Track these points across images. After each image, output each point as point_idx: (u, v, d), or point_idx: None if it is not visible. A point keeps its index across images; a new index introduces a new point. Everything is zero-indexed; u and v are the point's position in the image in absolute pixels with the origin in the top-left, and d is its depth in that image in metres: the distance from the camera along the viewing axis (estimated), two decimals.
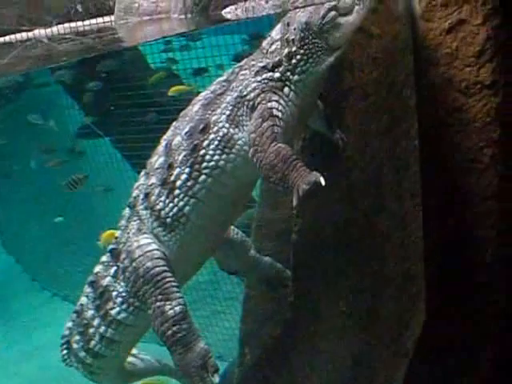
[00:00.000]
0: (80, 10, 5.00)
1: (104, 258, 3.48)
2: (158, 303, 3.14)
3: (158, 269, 3.20)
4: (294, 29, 3.15)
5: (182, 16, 3.64)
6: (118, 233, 3.45)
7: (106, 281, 3.41)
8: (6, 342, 7.90)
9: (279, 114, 3.07)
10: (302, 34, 3.11)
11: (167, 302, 3.13)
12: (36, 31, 5.60)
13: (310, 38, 3.11)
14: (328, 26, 3.09)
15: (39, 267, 8.25)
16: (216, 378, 3.05)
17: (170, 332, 3.11)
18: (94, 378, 3.60)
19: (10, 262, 9.27)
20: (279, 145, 2.96)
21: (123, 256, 3.35)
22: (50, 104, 8.10)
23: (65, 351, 3.57)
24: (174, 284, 3.18)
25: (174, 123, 3.35)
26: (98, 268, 3.48)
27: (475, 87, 3.85)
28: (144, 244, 3.27)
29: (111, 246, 3.46)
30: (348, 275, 3.47)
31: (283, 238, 3.57)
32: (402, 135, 3.86)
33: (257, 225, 3.67)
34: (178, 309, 3.13)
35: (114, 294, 3.37)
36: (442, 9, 3.76)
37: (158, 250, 3.24)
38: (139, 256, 3.24)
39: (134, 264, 3.25)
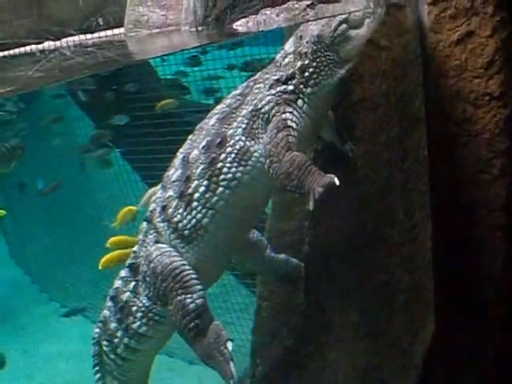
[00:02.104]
0: (101, 22, 5.05)
1: (123, 273, 3.52)
2: (179, 297, 3.15)
3: (175, 263, 3.23)
4: (307, 42, 3.19)
5: (193, 29, 3.67)
6: (135, 247, 3.49)
7: (126, 296, 3.44)
8: (16, 354, 7.90)
9: (293, 125, 3.12)
10: (315, 47, 3.16)
11: (188, 296, 3.15)
12: (46, 43, 5.66)
13: (322, 50, 3.15)
14: (339, 39, 3.13)
15: (47, 279, 8.28)
16: (229, 345, 3.05)
17: (192, 325, 3.12)
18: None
19: (19, 274, 9.30)
20: (294, 153, 3.01)
21: (142, 265, 3.38)
22: (60, 115, 8.15)
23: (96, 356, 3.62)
24: (193, 277, 3.20)
25: (190, 136, 3.40)
26: (117, 283, 3.52)
27: (484, 98, 3.87)
28: (161, 247, 3.31)
29: (130, 261, 3.49)
30: (359, 286, 3.46)
31: (294, 250, 3.58)
32: (411, 146, 3.87)
33: (268, 236, 3.68)
34: (199, 302, 3.15)
35: (134, 308, 3.41)
36: (451, 21, 3.79)
37: (174, 251, 3.29)
38: (156, 256, 3.28)
39: (151, 265, 3.28)
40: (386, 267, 3.70)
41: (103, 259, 6.31)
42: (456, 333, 4.20)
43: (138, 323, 3.41)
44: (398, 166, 3.70)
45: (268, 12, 3.44)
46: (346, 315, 3.43)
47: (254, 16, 3.45)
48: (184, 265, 3.22)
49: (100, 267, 6.26)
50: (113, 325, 3.49)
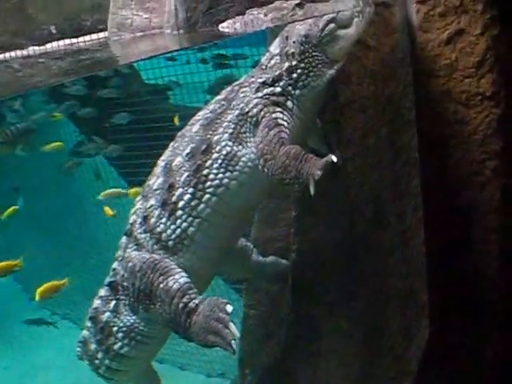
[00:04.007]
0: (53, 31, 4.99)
1: (102, 292, 3.36)
2: (161, 285, 3.01)
3: (154, 257, 3.11)
4: (294, 42, 3.09)
5: (175, 31, 3.57)
6: (115, 264, 3.32)
7: (106, 316, 3.29)
8: (5, 362, 7.80)
9: (284, 123, 3.03)
10: (302, 48, 3.06)
11: (169, 279, 3.01)
12: (31, 48, 5.59)
13: (310, 51, 3.06)
14: (327, 39, 3.04)
15: (37, 286, 8.16)
16: (229, 308, 2.87)
17: (180, 305, 2.95)
18: None
19: (9, 281, 9.18)
20: (288, 146, 2.93)
21: (121, 276, 3.23)
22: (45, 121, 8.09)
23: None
24: (173, 265, 3.07)
25: (171, 144, 3.28)
26: (96, 303, 3.36)
27: (476, 98, 3.78)
28: (141, 252, 3.18)
29: (109, 279, 3.33)
30: (349, 293, 3.36)
31: (281, 257, 3.47)
32: (401, 148, 3.78)
33: (254, 243, 3.57)
34: (182, 280, 3.00)
35: (115, 329, 3.26)
36: (440, 19, 3.70)
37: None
38: (134, 257, 3.16)
39: (129, 264, 3.15)
40: (378, 273, 3.60)
41: (39, 290, 6.59)
42: (454, 333, 4.14)
43: (119, 344, 3.26)
44: (389, 168, 3.61)
45: (255, 12, 3.34)
46: (337, 323, 3.33)
47: (240, 17, 3.35)
48: (164, 258, 3.10)
49: (37, 299, 6.52)
50: (93, 346, 3.35)
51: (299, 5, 3.32)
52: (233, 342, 2.80)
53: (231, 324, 2.83)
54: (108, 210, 7.41)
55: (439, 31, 3.70)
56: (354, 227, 3.34)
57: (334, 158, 2.78)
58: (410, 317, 4.07)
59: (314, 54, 3.05)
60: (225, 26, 3.33)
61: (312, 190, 2.76)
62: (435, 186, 4.05)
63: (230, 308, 2.86)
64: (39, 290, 6.68)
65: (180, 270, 3.05)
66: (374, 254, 3.49)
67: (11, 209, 8.24)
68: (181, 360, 6.71)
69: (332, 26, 3.03)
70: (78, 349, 3.42)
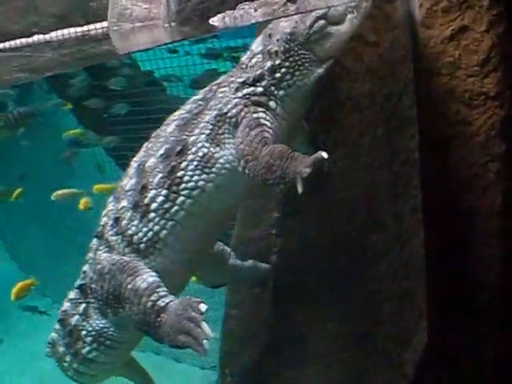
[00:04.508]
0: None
1: (72, 295, 3.27)
2: (130, 285, 2.90)
3: (123, 259, 3.01)
4: (277, 40, 2.95)
5: (166, 24, 3.47)
6: (85, 267, 3.23)
7: (75, 319, 3.21)
8: (8, 349, 7.81)
9: (267, 123, 2.90)
10: (287, 46, 2.92)
11: (137, 279, 2.91)
12: (35, 37, 5.60)
13: (296, 49, 2.91)
14: (316, 36, 2.89)
15: (41, 274, 8.16)
16: (203, 307, 2.73)
17: (149, 304, 2.84)
18: None
19: (13, 268, 9.20)
20: (271, 145, 2.79)
21: (90, 275, 3.15)
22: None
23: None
24: (142, 265, 2.97)
25: (145, 144, 3.17)
26: (66, 305, 3.28)
27: (479, 98, 3.65)
28: (111, 254, 3.08)
29: (79, 282, 3.24)
30: (337, 297, 3.26)
31: (263, 258, 3.36)
32: (400, 148, 3.66)
33: (235, 243, 3.47)
34: (150, 279, 2.90)
35: (84, 333, 3.18)
36: (444, 15, 3.56)
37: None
38: (103, 259, 3.07)
39: (98, 267, 3.06)
40: (371, 275, 3.50)
41: (14, 292, 7.06)
42: (454, 333, 4.04)
43: (87, 348, 3.19)
44: (385, 168, 3.49)
45: (246, 7, 3.22)
46: (322, 328, 3.22)
47: (231, 11, 3.24)
48: (132, 260, 3.00)
49: (13, 299, 6.93)
50: (61, 349, 3.28)
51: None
52: (205, 341, 2.68)
53: (203, 323, 2.71)
54: (85, 203, 7.37)
55: (442, 27, 3.57)
56: (343, 229, 3.23)
57: (325, 155, 2.63)
58: (406, 320, 3.97)
59: (300, 52, 2.91)
60: (215, 20, 3.21)
61: (300, 189, 2.63)
62: (435, 188, 3.93)
63: (203, 307, 2.75)
64: (14, 291, 7.12)
65: (149, 270, 2.96)
66: (366, 256, 3.38)
67: (18, 190, 8.28)
68: (176, 352, 6.69)
69: (322, 22, 2.88)
70: (48, 349, 3.36)
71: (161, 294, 2.86)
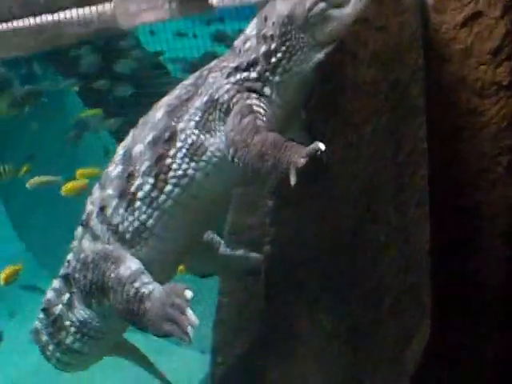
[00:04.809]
0: None
1: (56, 284, 3.21)
2: (113, 274, 2.83)
3: (107, 247, 2.94)
4: (273, 23, 2.79)
5: (167, 4, 3.37)
6: (69, 256, 3.16)
7: (59, 309, 3.15)
8: (13, 330, 7.83)
9: (261, 110, 2.76)
10: (283, 29, 2.77)
11: (120, 267, 2.83)
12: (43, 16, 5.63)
13: (294, 33, 2.76)
14: (315, 20, 2.73)
15: (48, 255, 8.17)
16: (188, 294, 2.64)
17: (132, 291, 2.76)
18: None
19: (21, 249, 9.23)
20: (264, 133, 2.66)
21: (73, 264, 3.07)
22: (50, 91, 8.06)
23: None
24: (126, 254, 2.89)
25: (132, 130, 3.06)
26: (49, 294, 3.22)
27: (491, 88, 3.49)
28: (94, 243, 3.00)
29: (63, 271, 3.17)
30: (333, 291, 3.15)
31: (257, 247, 3.25)
32: (406, 137, 3.51)
33: (229, 231, 3.37)
34: (134, 267, 2.83)
35: (67, 323, 3.13)
36: None
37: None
38: (87, 248, 3.00)
39: (82, 256, 2.99)
40: (371, 270, 3.37)
41: (3, 277, 7.20)
42: (454, 333, 3.92)
43: (71, 339, 3.13)
44: (389, 159, 3.35)
45: None
46: (317, 323, 3.11)
47: None
48: (117, 249, 2.91)
49: (2, 283, 7.04)
50: (44, 338, 3.22)
51: None
52: (189, 329, 2.59)
53: (189, 310, 2.62)
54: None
55: (454, 12, 3.41)
56: (341, 221, 3.11)
57: (322, 146, 2.49)
58: (408, 316, 3.85)
59: (297, 36, 2.76)
60: (214, 0, 3.09)
61: (293, 180, 2.50)
62: (443, 180, 3.79)
63: (189, 294, 2.66)
64: (2, 277, 7.25)
65: (133, 258, 2.88)
66: (365, 249, 3.26)
67: (25, 167, 8.29)
68: None
69: (322, 5, 2.71)
70: (31, 337, 3.30)
71: (144, 280, 2.79)
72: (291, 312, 3.10)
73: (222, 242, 3.37)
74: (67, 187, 7.35)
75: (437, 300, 3.88)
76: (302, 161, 2.49)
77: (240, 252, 3.37)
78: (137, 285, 2.77)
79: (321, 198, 3.00)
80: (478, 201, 3.65)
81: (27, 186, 7.68)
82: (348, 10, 2.74)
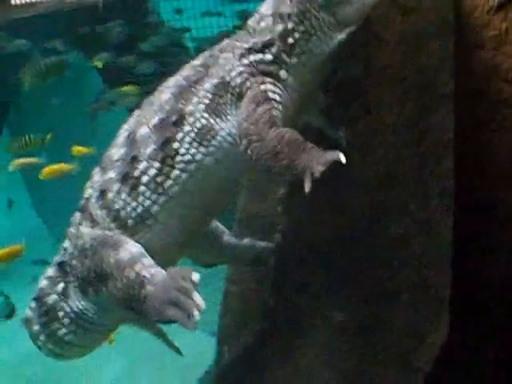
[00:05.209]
0: None
1: (50, 272, 3.07)
2: (112, 259, 2.69)
3: (106, 233, 2.81)
4: (291, 1, 2.64)
5: None
6: (65, 243, 3.04)
7: (52, 299, 3.02)
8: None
9: (276, 97, 2.61)
10: (302, 7, 2.62)
11: (119, 251, 2.70)
12: None
13: (313, 11, 2.61)
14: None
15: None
16: (195, 276, 2.49)
17: (132, 275, 2.61)
18: None
19: (38, 224, 9.23)
20: (281, 129, 2.51)
21: (70, 251, 2.95)
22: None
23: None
24: (125, 238, 2.76)
25: (135, 111, 2.92)
26: (43, 283, 3.09)
27: None
28: (94, 230, 2.86)
29: (58, 259, 3.04)
30: (345, 284, 3.02)
31: (267, 234, 3.12)
32: (431, 127, 3.35)
33: (240, 218, 3.24)
34: (134, 250, 2.70)
35: (61, 314, 2.99)
36: None
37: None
38: (85, 234, 2.86)
39: (80, 242, 2.86)
40: (387, 262, 3.24)
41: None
42: (454, 333, 3.79)
43: (64, 330, 3.01)
44: (412, 148, 3.20)
45: None
46: (326, 316, 2.99)
47: None
48: (117, 234, 2.78)
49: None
50: (35, 327, 3.08)
51: None
52: (196, 313, 2.42)
53: (195, 293, 2.45)
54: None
55: None
56: (356, 209, 2.97)
57: (343, 158, 2.37)
58: (423, 313, 3.72)
59: (317, 15, 2.60)
60: None
61: (307, 187, 2.38)
62: (469, 174, 3.63)
63: (196, 276, 2.51)
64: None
65: (133, 241, 2.75)
66: (381, 240, 3.12)
67: (48, 136, 8.23)
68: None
69: None
70: (23, 325, 3.17)
71: (145, 263, 2.65)
72: (299, 303, 2.98)
73: (227, 230, 3.23)
74: (47, 171, 7.35)
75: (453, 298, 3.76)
76: (320, 168, 2.37)
77: (246, 241, 3.22)
78: (137, 268, 2.64)
79: (336, 186, 2.86)
80: (506, 197, 3.48)
81: (11, 168, 7.73)
82: None
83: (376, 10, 2.79)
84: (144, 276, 2.61)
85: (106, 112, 7.74)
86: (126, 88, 7.60)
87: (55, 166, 7.35)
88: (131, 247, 2.72)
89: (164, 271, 2.62)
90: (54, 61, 7.59)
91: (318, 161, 2.38)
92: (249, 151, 2.56)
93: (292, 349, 3.01)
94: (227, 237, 3.22)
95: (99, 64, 7.38)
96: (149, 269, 2.64)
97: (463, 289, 3.60)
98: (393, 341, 3.50)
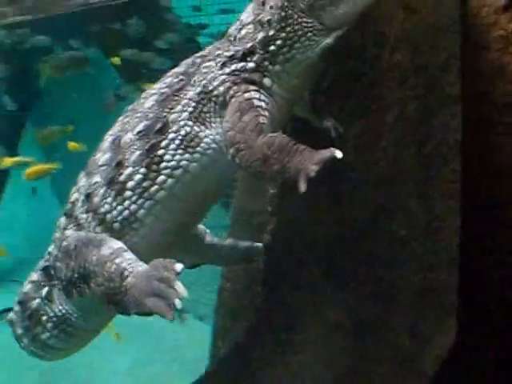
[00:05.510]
0: None
1: (34, 277, 3.08)
2: (95, 257, 2.68)
3: (90, 234, 2.81)
4: (271, 7, 2.59)
5: None
6: (50, 248, 3.02)
7: (36, 303, 3.04)
8: None
9: (262, 105, 2.57)
10: (283, 14, 2.55)
11: (102, 247, 2.69)
12: None
13: (296, 17, 2.54)
14: (323, 2, 2.49)
15: None
16: (178, 267, 2.44)
17: (113, 268, 2.58)
18: None
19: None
20: (270, 135, 2.49)
21: (55, 254, 2.94)
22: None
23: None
24: (109, 238, 2.76)
25: (120, 118, 2.93)
26: (27, 287, 3.10)
27: None
28: (79, 233, 2.86)
29: (43, 264, 3.04)
30: (340, 283, 3.00)
31: (262, 232, 3.12)
32: (436, 127, 3.31)
33: (235, 216, 3.24)
34: (116, 246, 2.69)
35: (44, 318, 3.01)
36: None
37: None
38: (70, 236, 2.86)
39: (64, 244, 2.85)
40: (386, 263, 3.21)
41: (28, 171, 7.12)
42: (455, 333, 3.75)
43: (47, 334, 3.02)
44: (414, 148, 3.17)
45: None
46: (320, 314, 2.98)
47: None
48: (100, 234, 2.78)
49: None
50: (19, 330, 3.12)
51: None
52: (177, 301, 2.37)
53: (177, 282, 2.41)
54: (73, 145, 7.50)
55: None
56: (355, 210, 2.95)
57: (339, 154, 2.31)
58: (427, 315, 3.69)
59: (301, 20, 2.53)
60: None
61: (302, 187, 2.33)
62: (474, 177, 3.58)
63: (179, 267, 2.46)
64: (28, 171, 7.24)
65: (117, 240, 2.75)
66: (379, 241, 3.10)
67: (70, 127, 8.34)
68: (198, 309, 6.82)
69: None
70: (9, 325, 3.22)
71: (127, 257, 2.64)
72: (292, 302, 2.98)
73: (208, 231, 3.23)
74: (29, 172, 7.45)
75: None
76: (314, 168, 2.32)
77: (228, 241, 3.22)
78: (118, 261, 2.63)
79: (334, 185, 2.85)
80: (508, 198, 3.43)
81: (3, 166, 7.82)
82: None
83: (380, 8, 2.75)
84: (124, 268, 2.60)
85: (122, 107, 7.85)
86: (141, 83, 7.73)
87: (39, 166, 7.49)
88: (113, 244, 2.72)
89: (145, 265, 2.60)
90: (74, 55, 7.78)
91: (312, 161, 2.34)
92: (237, 159, 2.55)
93: (284, 346, 3.00)
94: (209, 237, 3.23)
95: (116, 61, 7.48)
96: (129, 262, 2.63)
97: (463, 289, 3.57)
98: (393, 343, 3.47)
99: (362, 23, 2.68)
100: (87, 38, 8.03)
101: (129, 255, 2.67)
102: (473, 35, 3.30)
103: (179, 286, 2.40)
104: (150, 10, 7.29)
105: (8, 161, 7.69)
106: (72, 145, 7.52)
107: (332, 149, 2.35)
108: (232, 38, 2.73)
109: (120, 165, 2.78)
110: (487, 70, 3.34)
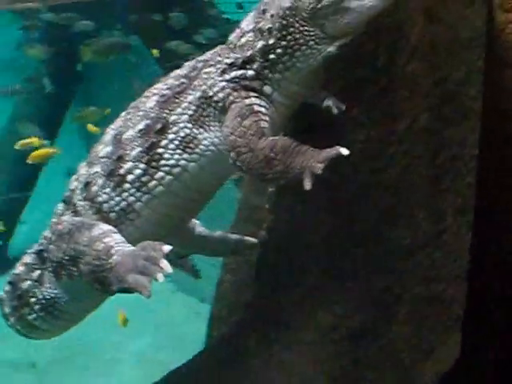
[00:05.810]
0: None
1: (28, 259, 3.14)
2: (86, 238, 2.71)
3: (81, 219, 2.87)
4: (272, 16, 2.59)
5: None
6: (46, 232, 3.08)
7: (27, 284, 3.10)
8: None
9: (262, 110, 2.59)
10: (284, 22, 2.54)
11: (94, 229, 2.74)
12: None
13: (297, 25, 2.52)
14: (326, 11, 2.46)
15: None
16: (166, 248, 2.47)
17: (101, 246, 2.62)
18: None
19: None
20: (271, 138, 2.52)
21: (49, 237, 3.00)
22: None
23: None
24: (101, 222, 2.81)
25: (122, 114, 2.97)
26: (19, 269, 3.16)
27: None
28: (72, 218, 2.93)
29: (37, 248, 3.10)
30: (338, 288, 3.02)
31: (260, 228, 3.15)
32: (451, 140, 3.30)
33: (241, 209, 3.28)
34: (105, 227, 2.74)
35: (33, 300, 3.07)
36: None
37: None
38: (64, 220, 2.93)
39: (58, 227, 2.91)
40: (388, 270, 3.21)
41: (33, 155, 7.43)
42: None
43: (33, 315, 3.09)
44: (425, 160, 3.16)
45: None
46: (314, 316, 3.00)
47: None
48: (94, 220, 2.85)
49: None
50: (7, 309, 3.20)
51: None
52: (159, 276, 2.40)
53: (163, 260, 2.44)
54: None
55: None
56: (357, 214, 2.96)
57: (345, 151, 2.32)
58: (430, 327, 3.67)
59: (302, 29, 2.52)
60: None
61: (308, 186, 2.34)
62: (489, 194, 3.56)
63: (167, 248, 2.50)
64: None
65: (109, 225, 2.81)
66: (383, 247, 3.10)
67: (108, 110, 8.39)
68: (201, 292, 6.93)
69: None
70: None
71: (115, 237, 2.70)
72: (281, 300, 2.99)
73: (198, 222, 3.26)
74: (34, 155, 7.69)
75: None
76: (320, 166, 2.34)
77: (218, 233, 3.26)
78: (106, 240, 2.68)
79: (336, 186, 2.87)
80: None
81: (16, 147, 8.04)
82: (369, 2, 2.44)
83: (395, 15, 2.76)
84: (112, 246, 2.64)
85: None
86: None
87: (42, 150, 7.77)
88: (104, 226, 2.79)
89: (144, 242, 2.63)
90: (116, 41, 7.97)
91: (318, 159, 2.36)
92: (238, 163, 2.57)
93: (278, 342, 3.02)
94: (199, 228, 3.27)
95: (156, 52, 7.61)
96: (118, 241, 2.69)
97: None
98: (390, 353, 3.46)
99: (375, 30, 2.68)
100: (129, 26, 8.19)
101: (118, 236, 2.73)
102: (497, 51, 3.29)
103: (164, 264, 2.44)
104: (194, 3, 7.40)
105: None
106: (91, 127, 7.69)
107: (338, 147, 2.37)
108: (232, 46, 2.75)
109: (121, 159, 2.85)
110: (508, 87, 3.32)
